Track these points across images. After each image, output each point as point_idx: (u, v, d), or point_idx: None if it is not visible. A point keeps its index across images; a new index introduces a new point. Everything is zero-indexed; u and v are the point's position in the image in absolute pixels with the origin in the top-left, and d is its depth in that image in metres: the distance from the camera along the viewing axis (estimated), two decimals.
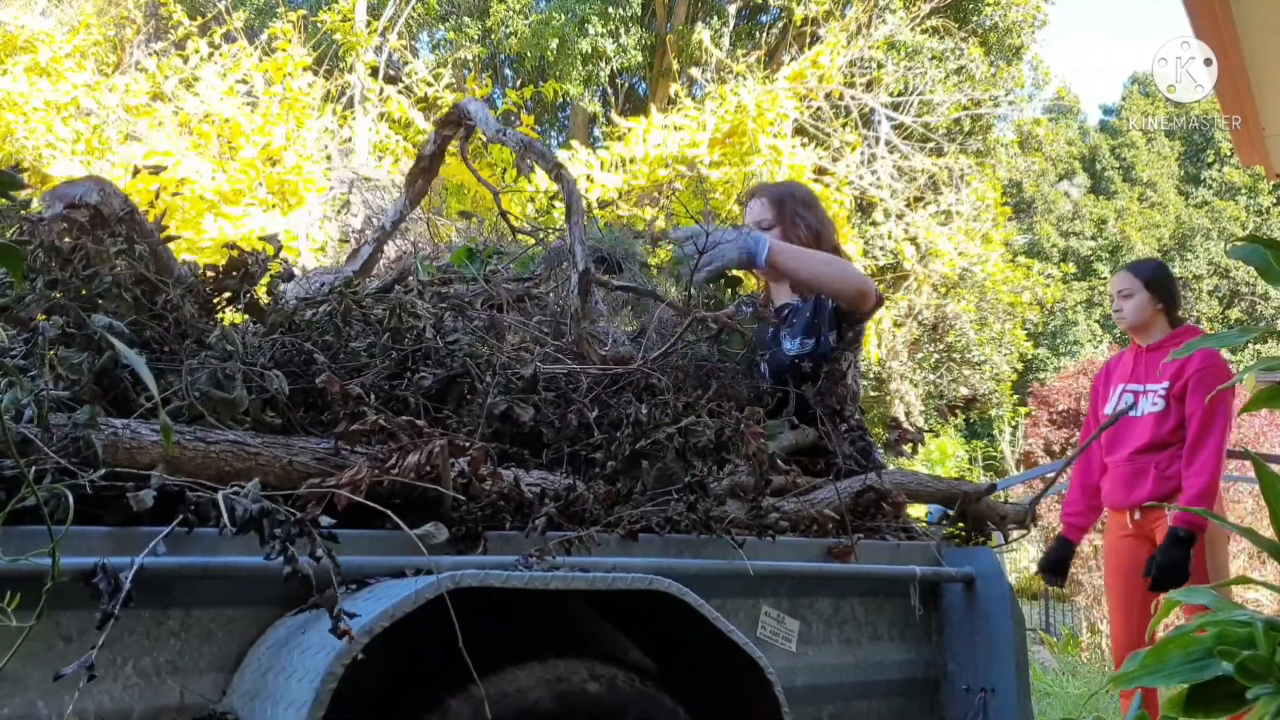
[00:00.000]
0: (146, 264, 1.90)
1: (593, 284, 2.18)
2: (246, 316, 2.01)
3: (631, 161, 8.45)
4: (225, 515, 1.42)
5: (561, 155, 8.44)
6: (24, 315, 1.77)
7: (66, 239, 1.88)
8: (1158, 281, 3.79)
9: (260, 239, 2.16)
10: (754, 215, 2.90)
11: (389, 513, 1.52)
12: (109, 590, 1.30)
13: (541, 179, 8.03)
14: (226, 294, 2.05)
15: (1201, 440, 3.54)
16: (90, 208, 1.93)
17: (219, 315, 2.03)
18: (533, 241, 2.80)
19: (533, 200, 8.20)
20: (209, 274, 2.07)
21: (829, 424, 2.50)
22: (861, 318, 2.77)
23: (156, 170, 2.56)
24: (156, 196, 6.34)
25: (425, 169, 2.59)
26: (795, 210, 2.86)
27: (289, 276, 2.20)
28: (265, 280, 2.06)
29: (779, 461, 2.24)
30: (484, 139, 9.21)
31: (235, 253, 2.05)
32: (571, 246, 2.12)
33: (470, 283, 2.40)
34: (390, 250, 2.73)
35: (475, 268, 2.49)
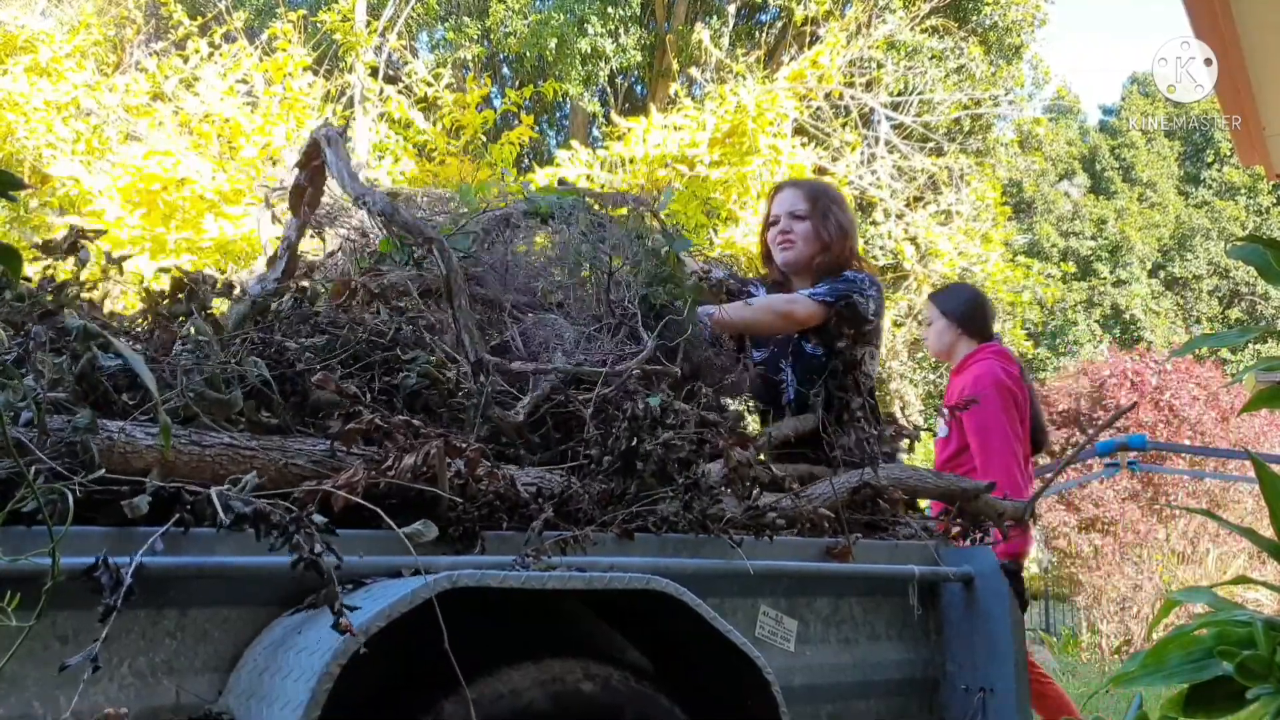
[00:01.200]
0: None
1: (488, 370, 1.95)
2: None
3: (631, 161, 8.43)
4: (220, 511, 1.42)
5: (561, 155, 8.43)
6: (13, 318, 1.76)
7: None
8: (953, 309, 3.79)
9: (177, 273, 2.06)
10: (787, 204, 2.91)
11: (379, 511, 1.52)
12: (110, 584, 1.30)
13: (541, 178, 8.01)
14: (179, 317, 2.00)
15: (988, 464, 3.40)
16: None
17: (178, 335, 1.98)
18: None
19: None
20: (158, 299, 2.01)
21: (863, 420, 2.50)
22: (851, 321, 2.72)
23: (94, 235, 2.30)
24: (162, 202, 6.33)
25: (304, 194, 2.42)
26: (828, 206, 2.89)
27: (229, 290, 2.12)
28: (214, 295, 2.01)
29: (770, 466, 2.24)
30: (482, 138, 9.07)
31: (177, 272, 2.00)
32: (459, 337, 1.93)
33: (404, 268, 2.33)
34: (331, 242, 2.67)
35: (406, 253, 2.42)
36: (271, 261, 2.39)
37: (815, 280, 2.85)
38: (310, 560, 1.39)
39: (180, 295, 1.95)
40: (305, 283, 2.31)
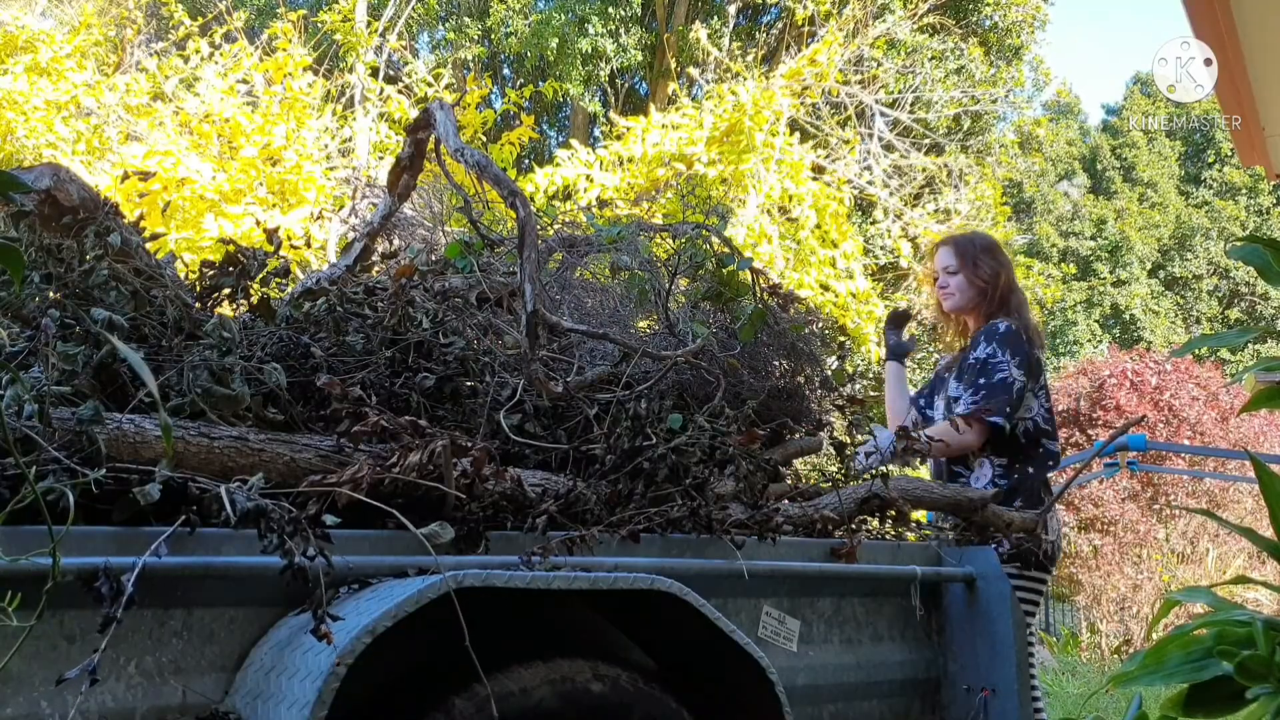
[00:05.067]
0: (135, 250, 1.89)
1: (541, 325, 2.07)
2: (252, 314, 2.01)
3: (630, 161, 8.43)
4: (228, 507, 1.43)
5: (561, 154, 8.43)
6: (26, 313, 1.78)
7: (44, 232, 1.86)
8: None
9: (265, 231, 2.16)
10: (941, 261, 3.28)
11: (394, 512, 1.53)
12: (110, 594, 1.31)
13: (541, 178, 8.02)
14: (225, 290, 2.06)
15: None
16: (44, 194, 1.89)
17: (217, 311, 2.03)
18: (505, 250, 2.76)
19: (532, 199, 8.20)
20: (205, 270, 2.07)
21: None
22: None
23: (145, 176, 2.50)
24: (162, 202, 6.36)
25: (407, 168, 2.58)
26: (976, 256, 3.20)
27: (285, 272, 2.22)
28: (261, 275, 2.07)
29: (778, 469, 2.25)
30: (482, 138, 9.07)
31: (231, 248, 2.05)
32: (521, 285, 2.01)
33: (466, 275, 2.40)
34: (393, 243, 2.73)
35: (469, 262, 2.48)
36: (346, 249, 2.46)
37: (979, 319, 3.15)
38: (296, 569, 1.39)
39: (231, 270, 1.98)
40: (363, 275, 2.36)
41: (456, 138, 2.33)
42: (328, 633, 1.33)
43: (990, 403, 2.89)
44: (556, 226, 2.83)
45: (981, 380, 2.92)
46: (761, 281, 2.58)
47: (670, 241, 2.79)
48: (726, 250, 2.57)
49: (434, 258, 2.54)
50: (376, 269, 2.51)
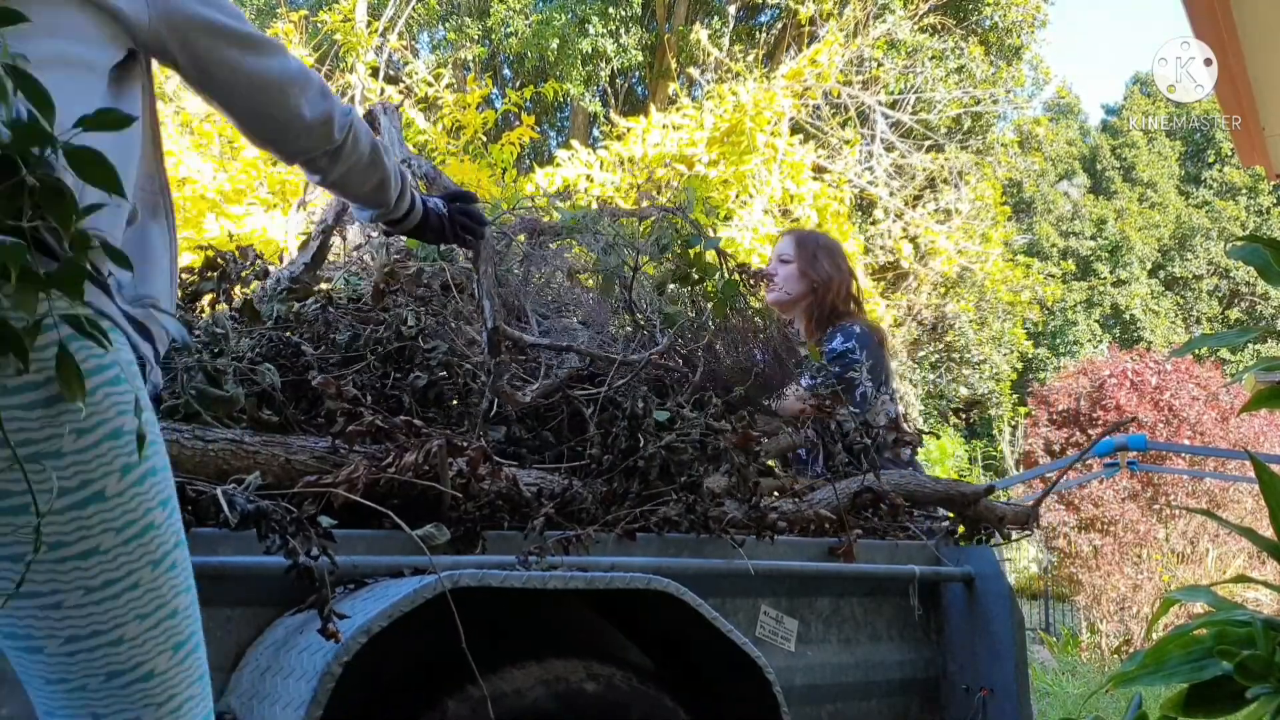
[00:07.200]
0: None
1: (504, 340, 2.01)
2: (236, 317, 2.00)
3: (631, 161, 8.43)
4: (225, 509, 1.43)
5: (561, 155, 8.43)
6: None
7: None
8: None
9: (238, 247, 2.14)
10: (779, 250, 3.13)
11: (389, 513, 1.52)
12: None
13: (541, 178, 8.01)
14: (208, 295, 2.05)
15: None
16: None
17: (201, 315, 2.03)
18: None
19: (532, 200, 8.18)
20: (185, 276, 2.07)
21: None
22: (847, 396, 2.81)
23: None
24: None
25: None
26: (815, 252, 3.05)
27: (265, 275, 2.20)
28: (243, 278, 2.06)
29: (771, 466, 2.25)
30: (482, 138, 9.06)
31: (210, 253, 2.04)
32: (480, 302, 1.96)
33: (430, 264, 2.37)
34: (355, 235, 2.70)
35: (430, 252, 2.45)
36: (304, 246, 2.44)
37: (810, 323, 2.99)
38: (303, 568, 1.39)
39: (211, 274, 1.97)
40: (326, 285, 2.34)
41: (402, 145, 2.28)
42: (335, 631, 1.32)
43: (843, 394, 2.73)
44: (519, 211, 2.75)
45: (837, 370, 2.77)
46: (730, 262, 2.54)
47: (639, 224, 2.74)
48: (693, 231, 2.52)
49: (394, 254, 2.51)
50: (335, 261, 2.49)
